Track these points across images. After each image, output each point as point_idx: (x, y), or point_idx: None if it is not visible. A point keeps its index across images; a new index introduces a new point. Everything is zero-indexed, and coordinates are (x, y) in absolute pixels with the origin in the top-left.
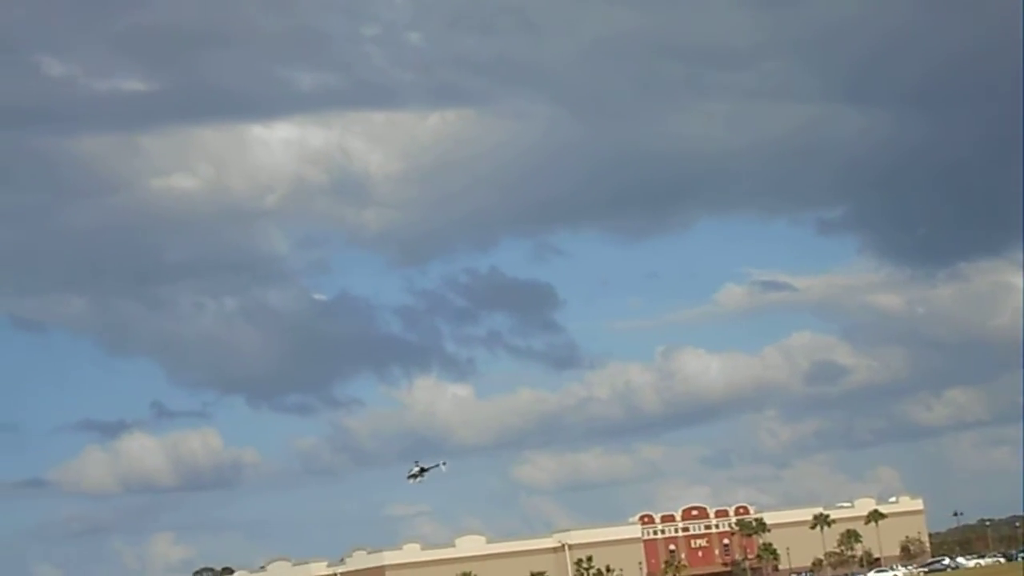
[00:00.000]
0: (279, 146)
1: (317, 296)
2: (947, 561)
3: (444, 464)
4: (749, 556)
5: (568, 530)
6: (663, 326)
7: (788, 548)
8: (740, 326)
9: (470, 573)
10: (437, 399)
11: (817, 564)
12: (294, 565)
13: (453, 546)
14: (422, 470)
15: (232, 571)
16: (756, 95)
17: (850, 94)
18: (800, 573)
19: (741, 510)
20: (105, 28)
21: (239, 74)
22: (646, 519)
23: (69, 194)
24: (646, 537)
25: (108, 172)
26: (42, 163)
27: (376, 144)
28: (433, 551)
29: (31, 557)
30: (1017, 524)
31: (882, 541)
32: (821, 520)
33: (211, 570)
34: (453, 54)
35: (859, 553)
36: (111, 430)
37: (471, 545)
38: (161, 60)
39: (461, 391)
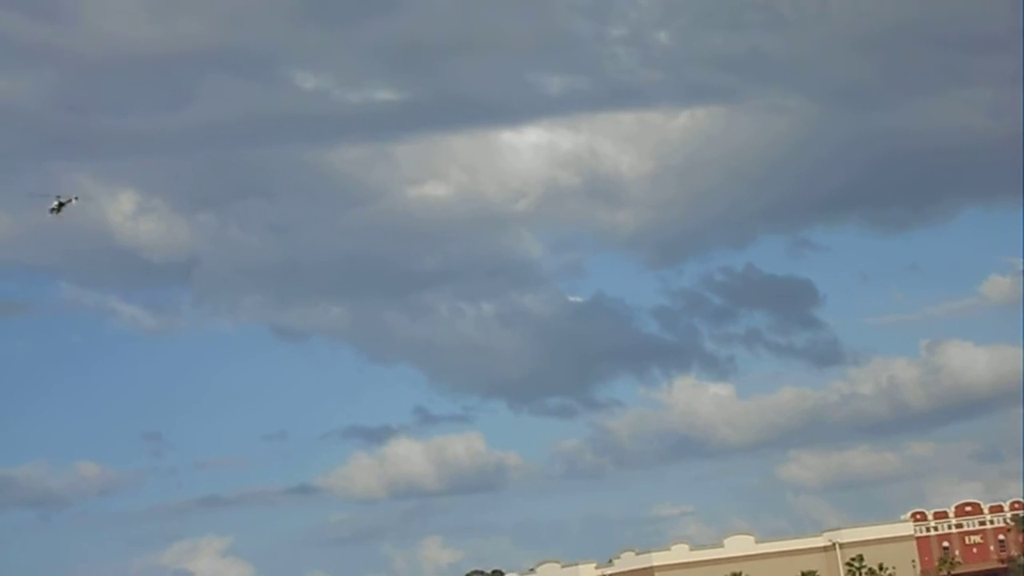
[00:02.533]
0: (529, 151)
1: (573, 298)
2: None
3: (76, 199)
4: None
5: (838, 529)
6: (927, 319)
7: None
8: (1007, 318)
9: (740, 573)
10: (698, 399)
11: None
12: (563, 567)
13: (721, 546)
14: (60, 204)
15: (502, 573)
16: (1017, 81)
17: None
18: None
19: (1016, 505)
20: (356, 40)
21: (489, 80)
22: (918, 516)
23: (326, 205)
24: (919, 534)
25: (363, 182)
26: (299, 175)
27: (627, 145)
28: (701, 551)
29: (303, 562)
30: None
31: None
32: None
33: (481, 573)
34: (702, 52)
35: None
36: (376, 436)
37: (739, 545)
38: (412, 70)
39: (722, 390)
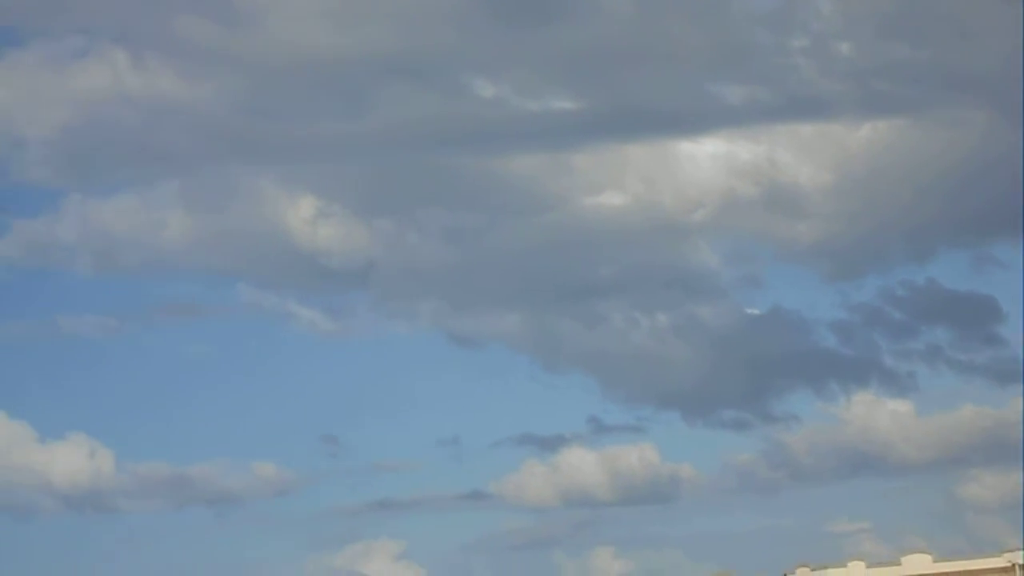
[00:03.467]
0: (707, 161)
1: (750, 310)
2: None
3: None
4: None
5: (1018, 550)
6: None
7: None
8: None
9: None
10: (876, 414)
11: None
12: None
13: (899, 564)
14: None
15: None
16: None
17: None
18: None
19: None
20: (534, 48)
21: (667, 90)
22: None
23: (503, 213)
24: None
25: (541, 191)
26: (477, 183)
27: (806, 156)
28: (878, 569)
29: (475, 567)
30: None
31: None
32: None
33: None
34: (884, 62)
35: None
36: (550, 444)
37: (917, 563)
38: (590, 79)
39: (901, 407)
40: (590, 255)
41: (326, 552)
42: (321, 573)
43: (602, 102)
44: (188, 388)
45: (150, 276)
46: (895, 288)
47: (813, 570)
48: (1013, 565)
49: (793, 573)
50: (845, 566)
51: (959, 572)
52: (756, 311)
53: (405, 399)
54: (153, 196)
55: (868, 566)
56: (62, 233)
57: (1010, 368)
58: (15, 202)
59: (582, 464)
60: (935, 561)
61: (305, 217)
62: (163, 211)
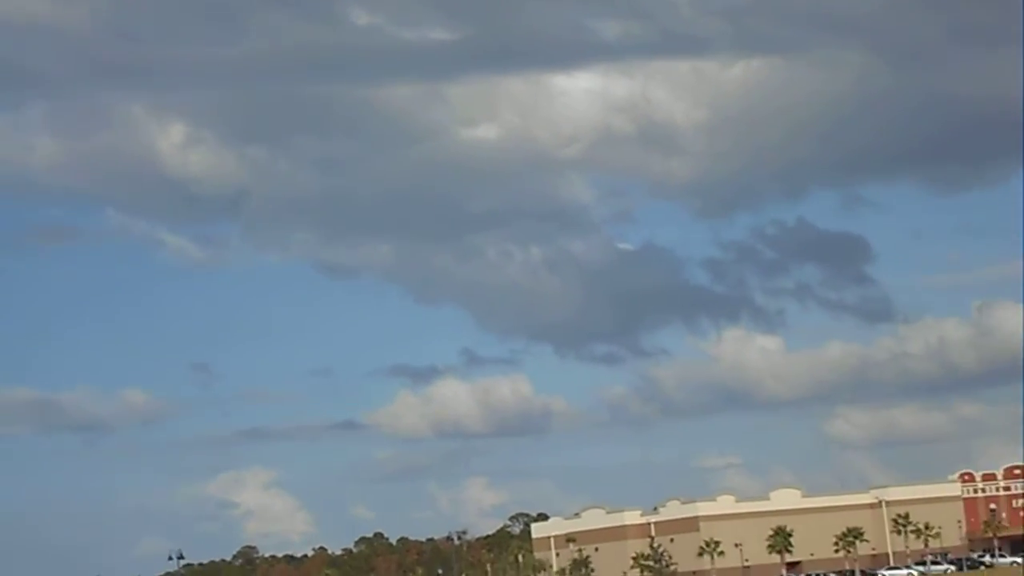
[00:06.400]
0: (582, 95)
1: (622, 246)
2: None
3: None
4: None
5: (885, 486)
6: (979, 280)
7: None
8: None
9: (785, 527)
10: (746, 351)
11: None
12: (608, 513)
13: (767, 499)
14: None
15: (547, 517)
16: None
17: None
18: None
19: None
20: None
21: (544, 23)
22: (966, 477)
23: (377, 143)
24: (966, 495)
25: (415, 121)
26: (351, 112)
27: (680, 93)
28: (747, 503)
29: (348, 497)
30: None
31: None
32: None
33: (526, 515)
34: (759, 2)
35: None
36: (423, 375)
37: (786, 499)
38: (466, 9)
39: (770, 343)
40: (464, 187)
41: (196, 481)
42: (192, 502)
43: (479, 33)
44: (55, 313)
45: (17, 199)
46: (766, 226)
47: (683, 503)
48: (880, 501)
49: (664, 506)
50: (715, 500)
51: (827, 507)
52: (628, 247)
53: (277, 329)
54: (20, 119)
55: (738, 500)
56: None
57: (878, 307)
58: None
59: (455, 395)
60: (803, 496)
61: (175, 143)
62: (30, 134)
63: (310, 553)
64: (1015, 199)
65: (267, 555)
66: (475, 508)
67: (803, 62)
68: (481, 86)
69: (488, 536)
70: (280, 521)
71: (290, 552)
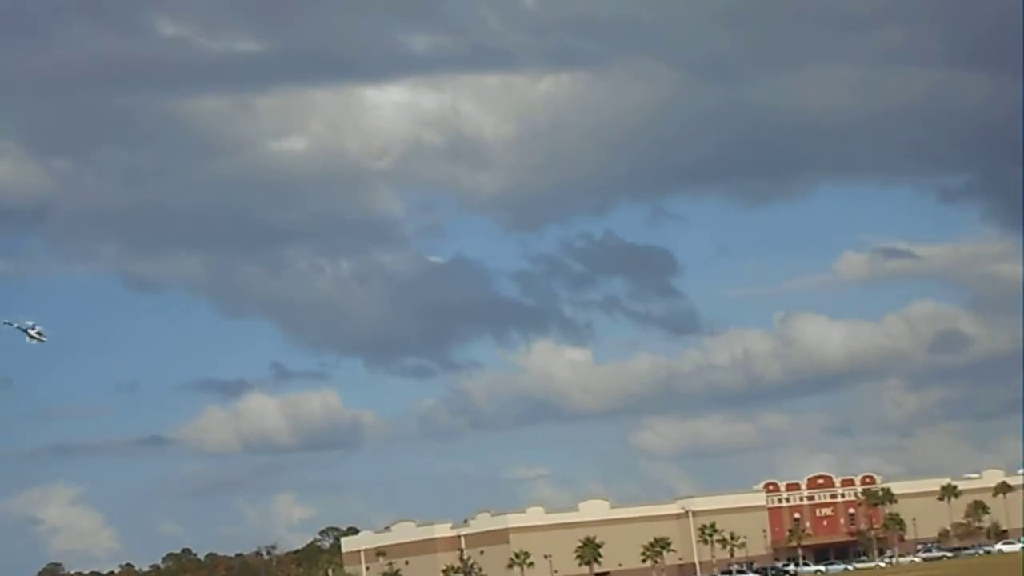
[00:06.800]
0: (392, 108)
1: (432, 259)
2: None
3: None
4: (875, 526)
5: (691, 497)
6: (782, 293)
7: (914, 519)
8: (860, 294)
9: (594, 537)
10: (555, 363)
11: (943, 535)
12: (418, 526)
13: (576, 510)
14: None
15: (357, 531)
16: (881, 59)
17: (978, 61)
18: (926, 544)
19: (867, 479)
20: None
21: (353, 36)
22: (771, 487)
23: (185, 155)
24: (771, 505)
25: (223, 133)
26: (158, 123)
27: (489, 107)
28: (557, 515)
29: (155, 513)
30: None
31: (1010, 513)
32: (949, 491)
33: (335, 530)
34: (568, 16)
35: (986, 525)
36: (231, 389)
37: (594, 510)
38: (275, 21)
39: (579, 355)
40: (273, 200)
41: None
42: None
43: (287, 45)
44: None
45: None
46: (574, 240)
47: (493, 516)
48: (686, 511)
49: (474, 518)
50: (524, 512)
51: (634, 518)
52: (439, 259)
53: (82, 342)
54: None
55: (547, 512)
56: None
57: (684, 319)
58: None
59: (263, 410)
60: (612, 507)
61: None
62: None
63: (116, 570)
64: (817, 212)
65: (73, 572)
66: (284, 523)
67: (611, 77)
68: (290, 98)
69: (298, 550)
70: (86, 538)
71: (96, 569)
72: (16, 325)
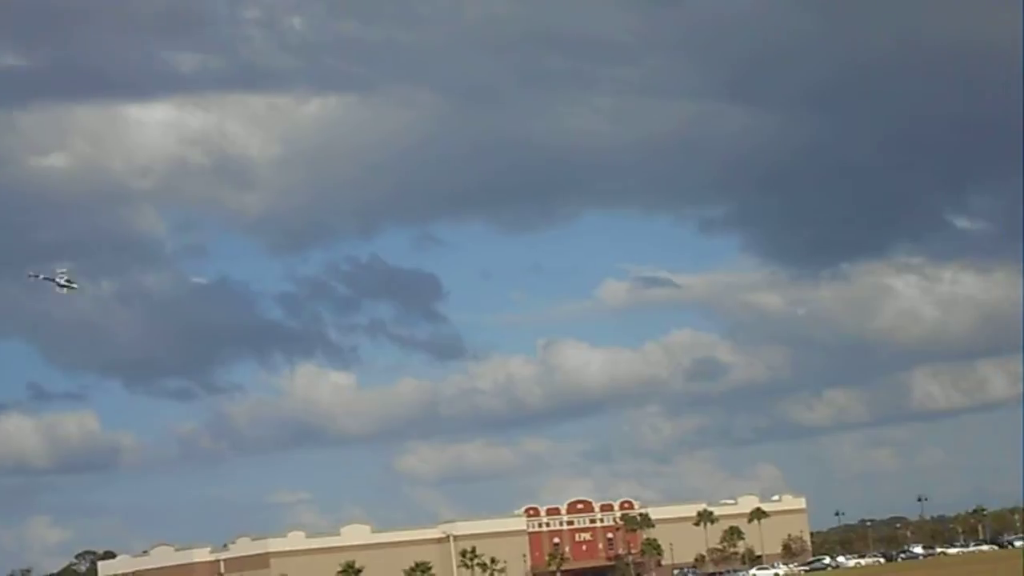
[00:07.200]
0: (157, 127)
1: (196, 280)
2: (827, 560)
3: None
4: (633, 551)
5: (453, 521)
6: (545, 319)
7: (671, 544)
8: (622, 321)
9: (354, 562)
10: (319, 387)
11: (700, 560)
12: (177, 550)
13: (338, 535)
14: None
15: (114, 555)
16: (642, 90)
17: (736, 93)
18: (683, 569)
19: (626, 505)
20: None
21: (119, 53)
22: (531, 512)
23: None
24: (531, 530)
25: None
26: None
27: (256, 128)
28: (318, 539)
29: None
30: (898, 525)
31: (764, 539)
32: (705, 517)
33: (92, 553)
34: (335, 39)
35: (741, 550)
36: None
37: (356, 534)
38: (38, 36)
39: (343, 379)
40: (33, 218)
41: None
42: None
43: (51, 61)
44: None
45: None
46: (340, 263)
47: (254, 540)
48: (448, 536)
49: (234, 542)
50: (286, 536)
51: (396, 542)
52: (202, 280)
53: None
54: None
55: (308, 536)
56: None
57: (449, 344)
58: None
59: (19, 431)
60: (373, 531)
61: None
62: None
63: None
64: (580, 240)
65: None
66: (40, 546)
67: (377, 101)
68: (52, 114)
69: (53, 574)
70: None
71: None
72: (43, 276)
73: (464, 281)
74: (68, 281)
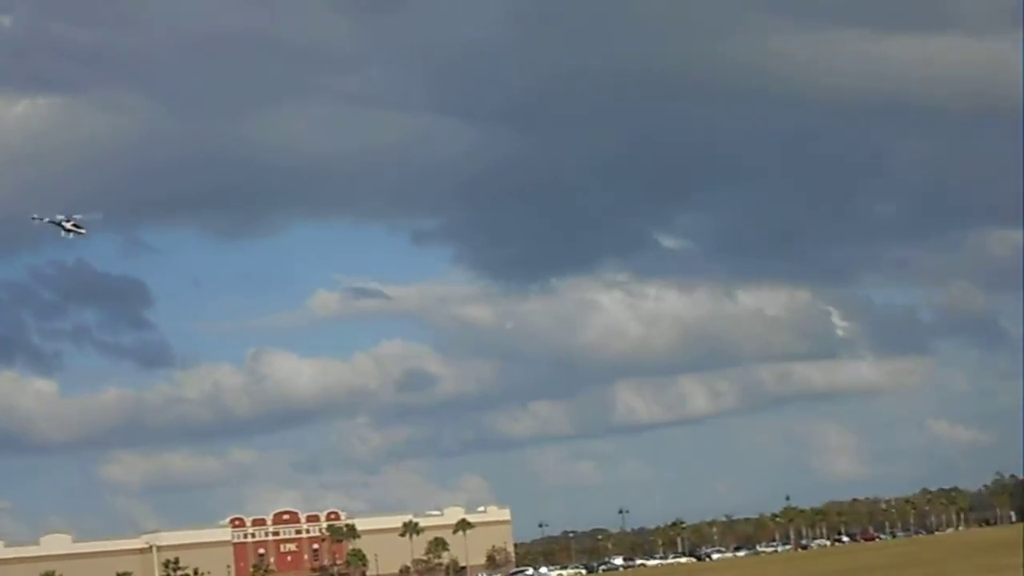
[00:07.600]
0: None
1: None
2: (530, 571)
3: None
4: (338, 561)
5: (157, 531)
6: (255, 329)
7: (376, 555)
8: (332, 332)
9: (54, 572)
10: (19, 393)
11: (405, 571)
12: None
13: (37, 544)
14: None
15: None
16: (358, 101)
17: (449, 107)
18: None
19: (333, 515)
20: None
21: None
22: (237, 522)
23: None
24: (236, 540)
25: None
26: None
27: None
28: (17, 548)
29: None
30: (599, 537)
31: (469, 549)
32: (411, 527)
33: None
34: (46, 40)
35: (446, 561)
36: None
37: (56, 544)
38: None
39: (45, 386)
40: None
41: None
42: None
43: None
44: None
45: None
46: (45, 267)
47: None
48: (151, 546)
49: None
50: None
51: (98, 552)
52: None
53: None
54: None
55: (7, 545)
56: None
57: (156, 352)
58: None
59: None
60: (74, 541)
61: None
62: None
63: None
64: (291, 249)
65: None
66: None
67: (87, 103)
68: None
69: None
70: None
71: None
72: (47, 219)
73: (173, 288)
74: (75, 226)
